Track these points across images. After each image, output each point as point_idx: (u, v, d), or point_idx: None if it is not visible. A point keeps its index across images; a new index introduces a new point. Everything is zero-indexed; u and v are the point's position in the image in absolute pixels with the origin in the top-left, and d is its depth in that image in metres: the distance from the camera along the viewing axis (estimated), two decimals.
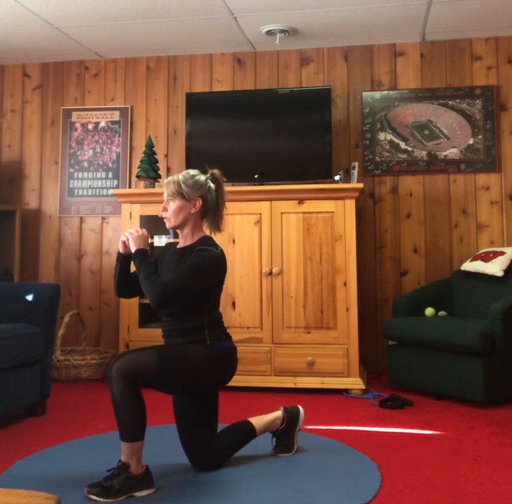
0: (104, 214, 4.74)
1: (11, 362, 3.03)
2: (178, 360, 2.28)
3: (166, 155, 4.71)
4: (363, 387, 3.74)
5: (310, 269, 3.86)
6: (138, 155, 4.69)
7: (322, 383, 3.78)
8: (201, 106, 4.37)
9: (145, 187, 4.21)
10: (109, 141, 4.77)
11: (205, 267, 2.30)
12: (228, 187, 3.97)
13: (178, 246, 2.48)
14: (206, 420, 2.45)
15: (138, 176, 4.28)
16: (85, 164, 4.79)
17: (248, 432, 2.54)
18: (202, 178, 2.44)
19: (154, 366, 2.22)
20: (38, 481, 2.33)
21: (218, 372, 2.38)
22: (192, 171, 2.45)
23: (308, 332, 3.84)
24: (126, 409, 2.19)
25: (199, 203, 2.41)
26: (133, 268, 2.43)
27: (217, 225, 2.50)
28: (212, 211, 2.48)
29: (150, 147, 4.34)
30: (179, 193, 2.39)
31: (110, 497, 2.15)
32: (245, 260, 3.93)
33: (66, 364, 4.17)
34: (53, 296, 3.33)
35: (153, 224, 4.19)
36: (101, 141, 4.78)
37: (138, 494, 2.19)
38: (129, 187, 4.71)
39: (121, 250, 2.45)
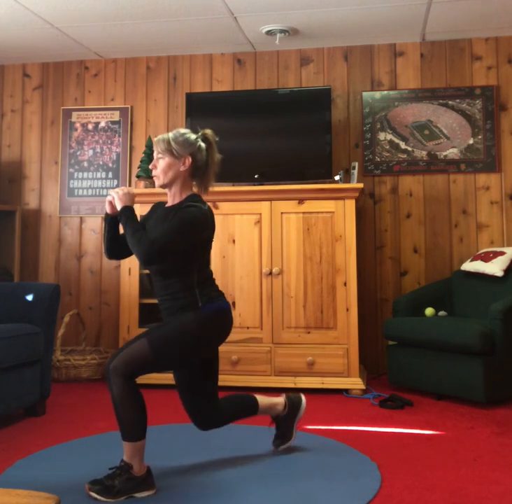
0: (104, 214, 4.73)
1: (11, 362, 3.03)
2: (171, 342, 2.27)
3: None
4: (363, 387, 3.74)
5: (310, 269, 3.86)
6: (138, 155, 4.69)
7: (322, 383, 3.78)
8: (201, 106, 4.37)
9: (145, 187, 4.21)
10: (109, 141, 4.77)
11: (193, 222, 2.28)
12: (227, 187, 4.00)
13: (166, 205, 2.45)
14: (206, 383, 2.46)
15: (138, 176, 4.28)
16: (85, 164, 4.79)
17: (251, 405, 2.56)
18: (192, 136, 2.42)
19: (148, 357, 2.21)
20: (38, 481, 2.34)
21: (213, 335, 2.36)
22: (183, 130, 2.44)
23: (308, 332, 3.84)
24: (126, 409, 2.19)
25: (189, 161, 2.38)
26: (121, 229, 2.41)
27: (205, 186, 2.47)
28: (201, 170, 2.44)
29: (150, 147, 4.34)
30: (168, 150, 2.38)
31: (111, 496, 2.15)
32: (245, 260, 3.93)
33: (66, 364, 4.17)
34: (53, 296, 3.33)
35: None
36: (101, 141, 4.78)
37: (138, 495, 2.19)
38: (129, 187, 4.71)
39: (108, 211, 2.42)
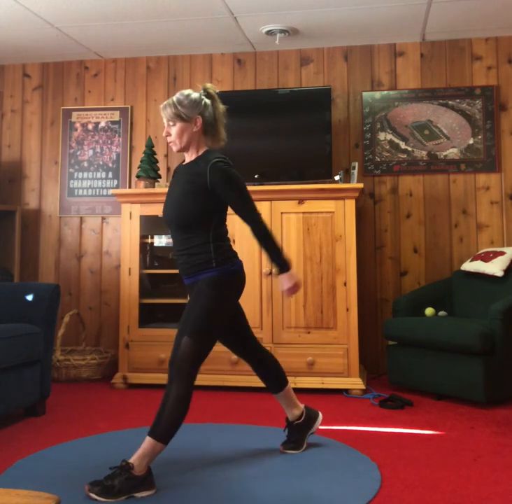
0: (104, 214, 4.74)
1: (11, 362, 3.03)
2: (206, 324, 2.34)
3: (166, 155, 4.71)
4: (363, 387, 3.74)
5: (310, 269, 3.86)
6: (138, 155, 4.69)
7: (322, 383, 3.78)
8: None
9: (145, 187, 4.21)
10: (109, 141, 4.77)
11: (236, 175, 2.39)
12: None
13: (185, 163, 2.51)
14: (241, 323, 2.61)
15: (138, 176, 4.28)
16: (85, 164, 4.79)
17: (283, 377, 2.67)
18: (195, 95, 2.44)
19: (198, 347, 2.29)
20: (38, 481, 2.33)
21: (231, 295, 2.45)
22: (186, 91, 2.46)
23: (308, 332, 3.84)
24: (176, 410, 2.23)
25: (200, 121, 2.42)
26: None
27: (218, 138, 2.51)
28: (211, 125, 2.48)
29: (150, 147, 4.34)
30: (177, 115, 2.40)
31: (111, 497, 2.15)
32: (245, 260, 3.92)
33: (66, 364, 4.16)
34: (53, 296, 3.33)
35: (153, 224, 4.19)
36: (101, 141, 4.78)
37: (138, 495, 2.19)
38: (129, 187, 4.71)
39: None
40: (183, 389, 2.24)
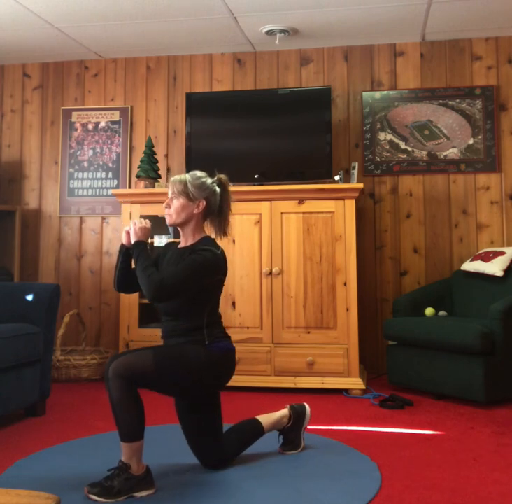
0: (104, 214, 4.74)
1: (11, 362, 3.02)
2: (175, 361, 2.27)
3: (166, 155, 4.71)
4: (363, 387, 3.74)
5: (310, 269, 3.86)
6: (138, 155, 4.69)
7: (322, 383, 3.78)
8: (201, 106, 4.37)
9: (145, 187, 4.21)
10: (109, 141, 4.77)
11: (204, 266, 2.30)
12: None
13: (180, 246, 2.48)
14: (209, 421, 2.45)
15: (138, 176, 4.28)
16: (85, 164, 4.79)
17: (256, 430, 2.56)
18: (208, 180, 2.46)
19: (150, 366, 2.21)
20: (38, 481, 2.33)
21: (215, 373, 2.36)
22: (199, 173, 2.47)
23: (308, 332, 3.84)
24: (124, 410, 2.18)
25: (203, 204, 2.42)
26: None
27: (223, 230, 2.51)
28: (214, 214, 2.49)
29: (149, 147, 4.34)
30: (184, 192, 2.41)
31: (111, 497, 2.15)
32: (245, 260, 3.93)
33: (66, 364, 4.16)
34: (53, 296, 3.33)
35: (153, 224, 4.18)
36: (101, 141, 4.78)
37: (138, 494, 2.19)
38: (129, 187, 4.71)
39: (124, 242, 2.44)
40: (118, 388, 2.16)
